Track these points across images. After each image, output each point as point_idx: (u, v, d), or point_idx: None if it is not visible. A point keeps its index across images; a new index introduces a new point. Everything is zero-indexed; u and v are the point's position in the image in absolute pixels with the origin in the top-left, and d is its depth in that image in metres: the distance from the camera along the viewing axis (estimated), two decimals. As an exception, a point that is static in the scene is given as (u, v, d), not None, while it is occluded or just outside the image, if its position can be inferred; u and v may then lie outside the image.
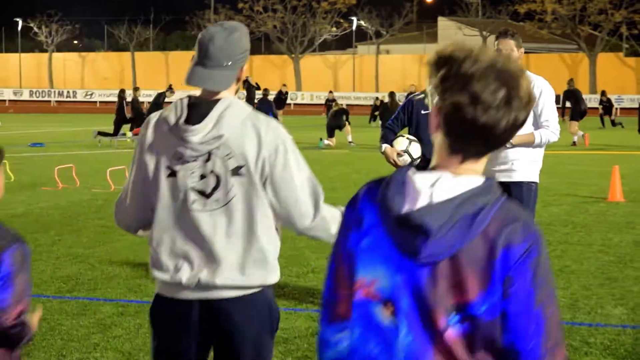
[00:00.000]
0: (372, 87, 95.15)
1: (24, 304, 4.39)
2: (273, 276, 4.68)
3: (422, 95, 9.69)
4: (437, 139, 2.97)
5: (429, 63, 2.95)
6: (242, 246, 4.59)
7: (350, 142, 38.35)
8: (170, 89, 42.55)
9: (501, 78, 2.85)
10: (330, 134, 38.33)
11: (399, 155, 9.37)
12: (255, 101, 45.81)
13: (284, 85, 50.96)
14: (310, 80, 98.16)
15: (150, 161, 4.67)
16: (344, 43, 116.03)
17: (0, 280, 4.31)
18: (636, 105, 48.61)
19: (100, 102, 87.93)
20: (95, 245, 13.81)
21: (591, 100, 66.95)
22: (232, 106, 4.59)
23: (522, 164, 9.18)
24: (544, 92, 9.32)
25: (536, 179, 9.31)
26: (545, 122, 9.21)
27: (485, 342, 2.89)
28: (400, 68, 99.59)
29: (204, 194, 4.59)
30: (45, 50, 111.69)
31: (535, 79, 9.44)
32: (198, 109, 4.59)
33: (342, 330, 3.05)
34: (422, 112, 9.56)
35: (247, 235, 4.60)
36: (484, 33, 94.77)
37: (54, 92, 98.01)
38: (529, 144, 9.19)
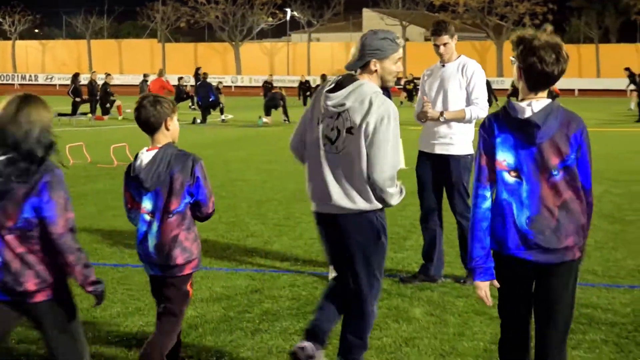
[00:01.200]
0: (305, 71, 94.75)
1: (212, 199, 6.15)
2: (375, 203, 6.18)
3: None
4: (520, 84, 5.16)
5: (512, 42, 5.17)
6: (349, 181, 6.15)
7: (285, 119, 38.35)
8: (108, 75, 43.55)
9: (552, 47, 5.04)
10: (267, 113, 38.23)
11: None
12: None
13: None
14: (249, 66, 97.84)
15: (311, 113, 6.38)
16: (279, 32, 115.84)
17: (196, 185, 5.99)
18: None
19: (59, 85, 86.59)
20: (56, 214, 13.64)
21: (497, 83, 69.03)
22: (362, 86, 6.12)
23: (458, 138, 9.33)
24: (475, 73, 9.41)
25: (471, 150, 9.42)
26: (475, 99, 9.33)
27: (571, 180, 5.13)
28: (330, 54, 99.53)
29: (331, 141, 6.18)
30: (9, 38, 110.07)
31: (469, 62, 9.52)
32: (341, 84, 6.17)
33: (491, 189, 5.23)
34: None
35: (353, 174, 6.12)
36: (404, 23, 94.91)
37: (18, 76, 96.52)
38: (461, 119, 9.30)
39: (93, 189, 16.49)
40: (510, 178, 5.15)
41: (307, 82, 56.85)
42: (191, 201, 6.04)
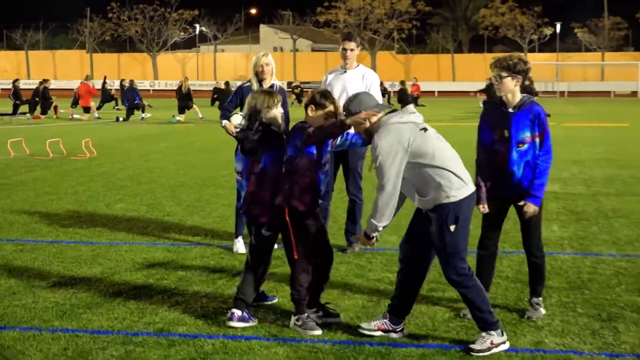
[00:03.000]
0: (212, 78, 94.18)
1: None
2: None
3: (249, 83, 9.62)
4: (517, 90, 6.59)
5: (515, 62, 6.48)
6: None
7: (201, 117, 38.02)
8: (46, 80, 41.89)
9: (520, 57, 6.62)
10: (181, 112, 37.83)
11: (236, 128, 9.29)
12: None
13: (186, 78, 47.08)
14: (164, 72, 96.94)
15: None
16: (190, 44, 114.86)
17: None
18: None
19: (1, 89, 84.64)
20: (-1, 199, 13.35)
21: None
22: None
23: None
24: (374, 81, 9.48)
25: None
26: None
27: None
28: (233, 63, 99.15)
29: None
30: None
31: (368, 71, 9.58)
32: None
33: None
34: (251, 95, 9.48)
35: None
36: (294, 36, 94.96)
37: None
38: None
39: (31, 177, 16.07)
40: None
41: (217, 88, 55.94)
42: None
